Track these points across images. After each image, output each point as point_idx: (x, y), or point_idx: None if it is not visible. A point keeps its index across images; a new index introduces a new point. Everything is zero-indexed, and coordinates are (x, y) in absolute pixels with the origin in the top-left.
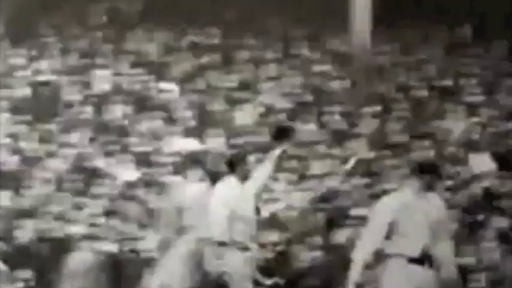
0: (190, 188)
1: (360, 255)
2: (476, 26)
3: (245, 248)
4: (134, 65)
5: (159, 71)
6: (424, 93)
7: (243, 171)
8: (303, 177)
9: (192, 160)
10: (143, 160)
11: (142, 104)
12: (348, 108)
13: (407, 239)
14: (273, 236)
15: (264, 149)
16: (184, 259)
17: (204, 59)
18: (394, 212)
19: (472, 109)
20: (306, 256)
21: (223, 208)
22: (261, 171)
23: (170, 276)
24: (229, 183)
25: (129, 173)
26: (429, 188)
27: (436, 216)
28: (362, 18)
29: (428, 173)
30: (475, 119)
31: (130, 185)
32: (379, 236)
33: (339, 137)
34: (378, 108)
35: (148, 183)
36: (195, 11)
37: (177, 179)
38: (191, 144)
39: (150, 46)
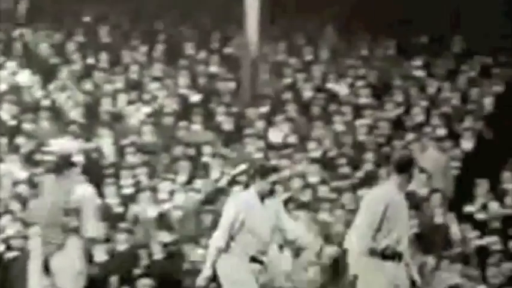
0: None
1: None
2: (365, 27)
3: None
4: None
5: (48, 71)
6: (311, 94)
7: None
8: (191, 178)
9: (66, 160)
10: (30, 160)
11: (31, 105)
12: (235, 109)
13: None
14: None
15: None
16: (74, 260)
17: (91, 60)
18: (385, 205)
19: (358, 111)
20: (196, 256)
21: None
22: None
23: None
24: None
25: (16, 172)
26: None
27: (406, 212)
28: (252, 21)
29: (406, 171)
30: (362, 121)
31: (17, 183)
32: (373, 225)
33: (227, 138)
34: (266, 108)
35: (32, 182)
36: (81, 11)
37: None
38: (67, 145)
39: (39, 47)
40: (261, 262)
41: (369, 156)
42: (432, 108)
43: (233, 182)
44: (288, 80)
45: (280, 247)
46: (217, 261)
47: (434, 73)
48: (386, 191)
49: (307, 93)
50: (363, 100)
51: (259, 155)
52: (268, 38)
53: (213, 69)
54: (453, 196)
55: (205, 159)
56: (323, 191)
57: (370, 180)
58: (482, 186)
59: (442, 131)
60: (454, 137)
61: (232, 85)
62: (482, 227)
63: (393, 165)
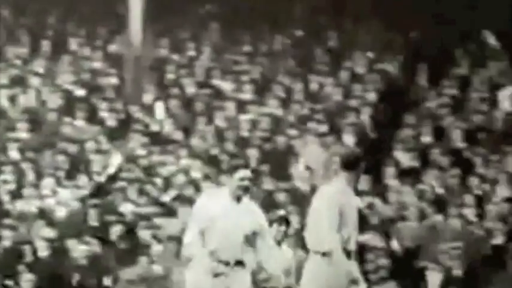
0: None
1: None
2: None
3: None
4: None
5: None
6: (194, 90)
7: None
8: (74, 174)
9: None
10: None
11: None
12: (119, 105)
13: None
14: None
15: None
16: None
17: None
18: (341, 203)
19: (242, 106)
20: (81, 251)
21: None
22: None
23: None
24: None
25: None
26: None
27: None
28: (135, 17)
29: (354, 168)
30: (245, 117)
31: None
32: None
33: (110, 134)
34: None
35: None
36: None
37: None
38: None
39: None
40: (227, 264)
41: (253, 152)
42: (315, 103)
43: (114, 177)
44: (171, 76)
45: (278, 243)
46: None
47: (316, 69)
48: (338, 189)
49: (191, 89)
50: (246, 96)
51: (142, 151)
52: (152, 34)
53: (97, 65)
54: None
55: (88, 155)
56: (206, 186)
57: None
58: (364, 182)
59: (324, 127)
60: (336, 132)
61: (115, 81)
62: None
63: (340, 163)
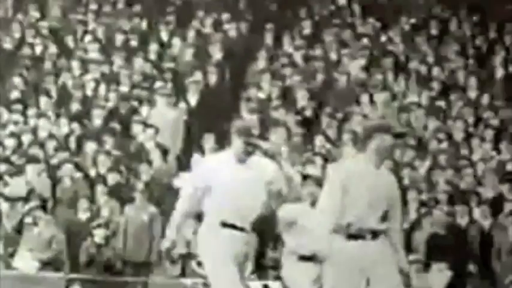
0: None
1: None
2: None
3: None
4: None
5: None
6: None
7: None
8: None
9: None
10: None
11: None
12: None
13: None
14: None
15: None
16: None
17: None
18: None
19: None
20: None
21: None
22: None
23: None
24: None
25: None
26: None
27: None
28: None
29: None
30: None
31: None
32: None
33: None
34: None
35: None
36: None
37: None
38: None
39: None
40: (241, 229)
41: (98, 112)
42: (159, 63)
43: None
44: None
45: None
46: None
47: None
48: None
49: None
50: (91, 55)
51: None
52: None
53: None
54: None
55: None
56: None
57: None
58: (209, 140)
59: (168, 86)
60: (181, 92)
61: None
62: None
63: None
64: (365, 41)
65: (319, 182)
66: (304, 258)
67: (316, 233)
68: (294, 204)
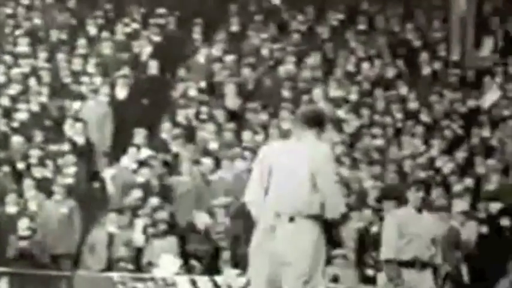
0: None
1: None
2: None
3: None
4: None
5: None
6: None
7: None
8: None
9: None
10: None
11: None
12: None
13: None
14: None
15: None
16: None
17: None
18: None
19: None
20: None
21: None
22: None
23: None
24: None
25: None
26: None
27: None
28: None
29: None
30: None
31: None
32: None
33: None
34: None
35: None
36: None
37: None
38: None
39: None
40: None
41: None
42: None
43: None
44: None
45: None
46: None
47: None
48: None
49: None
50: (21, 49)
51: None
52: None
53: None
54: (111, 146)
55: None
56: None
57: None
58: (139, 135)
59: (97, 81)
60: (110, 86)
61: None
62: None
63: (304, 119)
64: (295, 36)
65: None
66: None
67: None
68: None
